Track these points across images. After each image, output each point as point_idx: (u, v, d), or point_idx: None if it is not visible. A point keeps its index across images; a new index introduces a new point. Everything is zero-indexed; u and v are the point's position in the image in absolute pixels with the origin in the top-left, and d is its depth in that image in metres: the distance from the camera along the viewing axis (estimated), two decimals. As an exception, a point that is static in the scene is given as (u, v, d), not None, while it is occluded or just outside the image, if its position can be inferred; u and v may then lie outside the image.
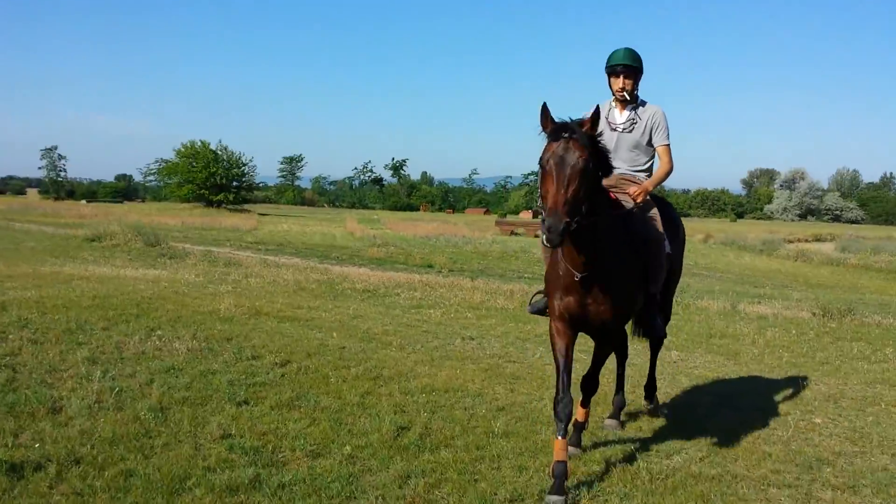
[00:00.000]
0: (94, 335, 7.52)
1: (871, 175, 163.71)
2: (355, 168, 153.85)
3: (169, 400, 5.45)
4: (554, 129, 3.91)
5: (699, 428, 5.59)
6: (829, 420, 5.98)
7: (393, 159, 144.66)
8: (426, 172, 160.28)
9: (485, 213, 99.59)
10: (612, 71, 4.89)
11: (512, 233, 42.15)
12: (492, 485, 4.28)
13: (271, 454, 4.56)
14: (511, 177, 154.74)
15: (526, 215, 76.06)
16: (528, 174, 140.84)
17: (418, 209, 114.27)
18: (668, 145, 5.05)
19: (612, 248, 4.25)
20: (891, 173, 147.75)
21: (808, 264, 26.90)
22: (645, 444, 5.21)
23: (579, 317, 4.38)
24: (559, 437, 4.26)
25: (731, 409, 6.21)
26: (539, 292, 5.14)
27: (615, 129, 4.99)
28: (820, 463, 4.92)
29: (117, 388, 5.58)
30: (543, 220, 3.67)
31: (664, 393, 6.70)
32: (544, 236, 3.64)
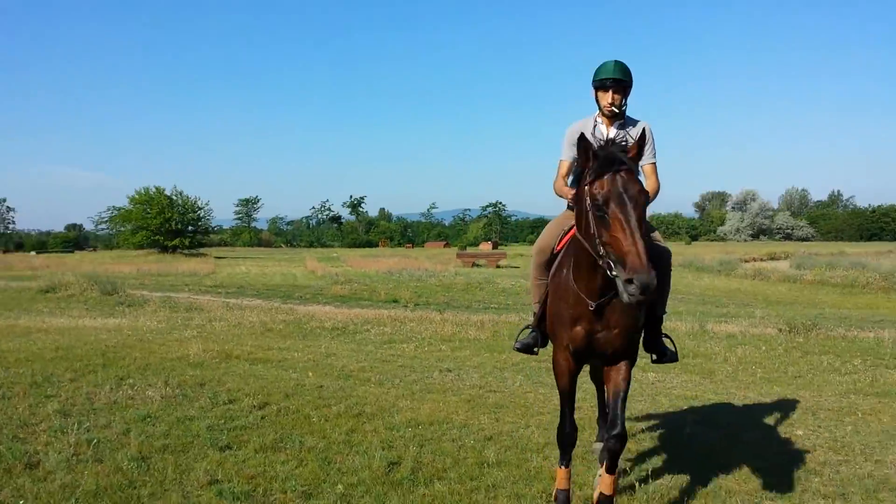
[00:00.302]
0: (63, 387, 7.28)
1: (819, 193, 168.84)
2: (313, 207, 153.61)
3: (149, 449, 5.28)
4: (603, 161, 3.47)
5: (686, 447, 5.63)
6: (810, 431, 6.08)
7: (351, 197, 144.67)
8: (384, 208, 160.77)
9: (444, 246, 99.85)
10: (600, 85, 4.47)
11: (473, 264, 42.27)
12: (491, 515, 4.23)
13: (262, 497, 4.44)
14: (469, 209, 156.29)
15: (486, 247, 76.50)
16: (486, 206, 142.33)
17: (377, 245, 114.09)
18: (655, 164, 4.69)
19: None
20: (838, 191, 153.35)
21: (766, 282, 27.52)
22: (637, 465, 5.22)
23: (588, 346, 4.01)
24: (562, 467, 4.25)
25: (713, 427, 6.26)
26: (527, 327, 4.81)
27: None
28: (808, 473, 4.99)
29: (94, 440, 5.39)
30: (630, 280, 3.16)
31: (646, 414, 6.74)
32: (634, 297, 3.17)
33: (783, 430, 6.13)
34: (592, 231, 3.44)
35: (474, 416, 6.54)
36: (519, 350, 4.76)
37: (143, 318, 15.55)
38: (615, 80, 4.41)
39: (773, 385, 7.99)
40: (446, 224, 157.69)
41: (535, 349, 4.71)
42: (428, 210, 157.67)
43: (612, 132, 4.53)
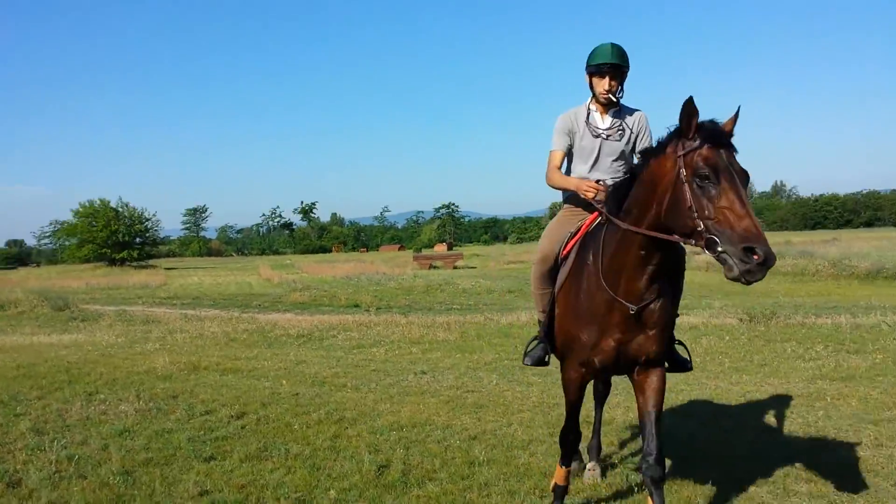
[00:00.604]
0: (31, 405, 7.11)
1: (762, 185, 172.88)
2: (263, 214, 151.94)
3: (132, 463, 5.19)
4: (712, 132, 3.12)
5: (667, 439, 5.74)
6: (783, 418, 6.26)
7: (302, 202, 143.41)
8: (336, 213, 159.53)
9: (399, 249, 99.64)
10: (596, 70, 4.09)
11: (431, 266, 42.34)
12: (488, 512, 4.27)
13: (257, 506, 4.41)
14: (422, 211, 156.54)
15: (441, 248, 76.55)
16: (439, 207, 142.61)
17: (331, 251, 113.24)
18: None
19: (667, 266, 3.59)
20: (781, 181, 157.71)
21: (720, 273, 28.04)
22: (624, 461, 5.31)
23: (618, 358, 3.67)
24: (563, 466, 4.24)
25: (690, 417, 6.40)
26: (535, 339, 4.39)
27: (598, 136, 4.23)
28: (787, 459, 5.12)
29: (75, 456, 5.27)
30: (751, 250, 2.85)
31: (624, 407, 6.85)
32: (749, 265, 2.87)
33: (758, 418, 6.31)
34: (689, 205, 3.07)
35: (456, 417, 6.57)
36: (530, 365, 4.37)
37: (100, 332, 15.22)
38: (612, 66, 4.05)
39: (741, 374, 8.21)
40: (399, 227, 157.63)
41: (547, 359, 4.33)
42: (381, 213, 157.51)
43: (608, 121, 4.25)
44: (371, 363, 9.84)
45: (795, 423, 6.08)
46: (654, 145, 3.43)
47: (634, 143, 4.29)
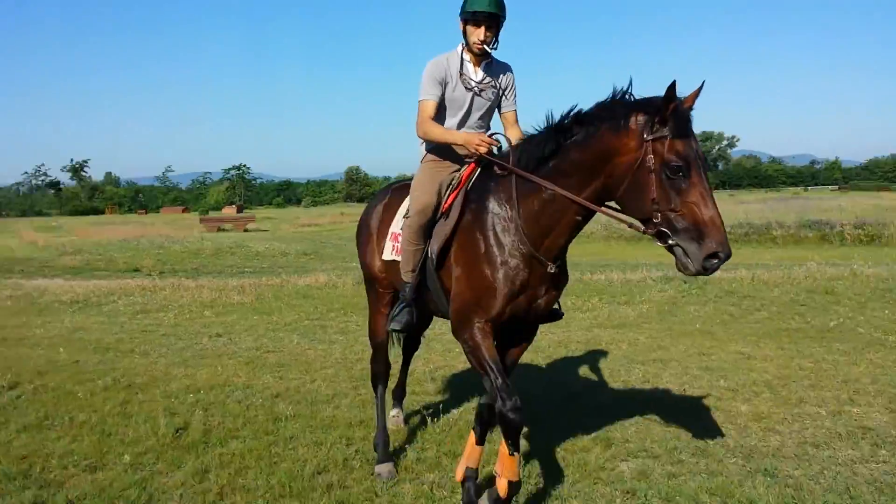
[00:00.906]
0: None
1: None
2: (25, 172, 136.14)
3: None
4: (682, 117, 2.97)
5: (466, 385, 6.11)
6: (565, 363, 6.90)
7: (72, 160, 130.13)
8: (111, 173, 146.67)
9: (184, 211, 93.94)
10: (471, 18, 3.80)
11: (220, 229, 40.56)
12: (295, 463, 4.32)
13: (42, 475, 4.15)
14: (210, 172, 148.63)
15: (230, 211, 73.50)
16: (229, 169, 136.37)
17: (103, 212, 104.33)
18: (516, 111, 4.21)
19: None
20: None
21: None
22: (426, 408, 5.57)
23: (526, 312, 3.57)
24: (479, 445, 3.74)
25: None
26: (401, 302, 4.06)
27: (471, 89, 3.97)
28: (568, 398, 5.69)
29: None
30: (715, 255, 2.85)
31: (423, 359, 7.14)
32: (709, 270, 2.89)
33: (541, 363, 6.88)
34: (654, 196, 2.96)
35: (256, 377, 6.50)
36: (398, 331, 4.14)
37: None
38: (489, 14, 3.76)
39: (526, 326, 8.87)
40: (184, 188, 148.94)
41: (415, 323, 4.08)
42: (163, 174, 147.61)
43: (480, 74, 3.98)
44: (160, 328, 9.36)
45: (574, 365, 6.73)
46: (603, 107, 3.18)
47: (500, 98, 4.13)
